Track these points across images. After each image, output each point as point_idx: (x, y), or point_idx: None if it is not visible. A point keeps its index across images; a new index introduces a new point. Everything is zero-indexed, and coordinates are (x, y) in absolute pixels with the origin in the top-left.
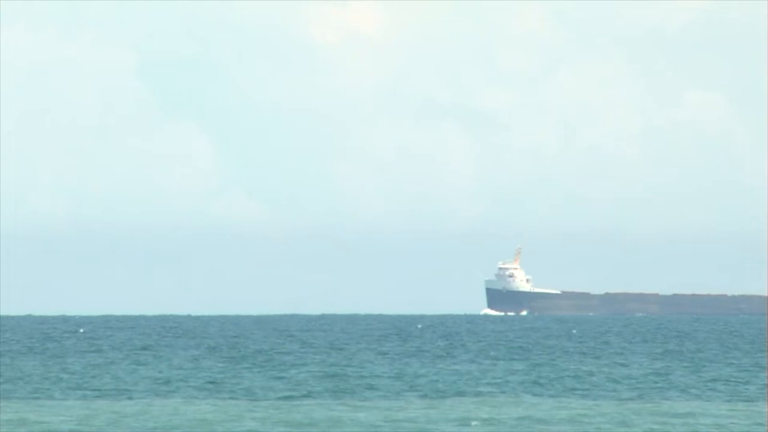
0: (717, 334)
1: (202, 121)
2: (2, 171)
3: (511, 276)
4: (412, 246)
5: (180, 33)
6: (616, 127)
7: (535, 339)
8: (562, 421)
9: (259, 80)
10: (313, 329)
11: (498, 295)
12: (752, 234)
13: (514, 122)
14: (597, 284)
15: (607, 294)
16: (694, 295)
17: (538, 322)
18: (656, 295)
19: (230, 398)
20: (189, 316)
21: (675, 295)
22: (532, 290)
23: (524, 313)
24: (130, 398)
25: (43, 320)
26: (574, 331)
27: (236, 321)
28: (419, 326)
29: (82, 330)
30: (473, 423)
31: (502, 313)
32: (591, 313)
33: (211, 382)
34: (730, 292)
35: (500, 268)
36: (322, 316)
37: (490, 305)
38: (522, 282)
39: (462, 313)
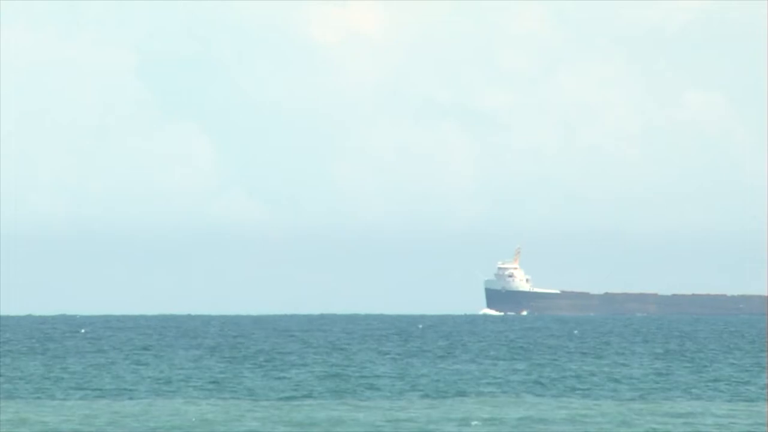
0: (717, 334)
1: (202, 121)
2: (2, 171)
3: (510, 276)
4: (412, 246)
5: (180, 33)
6: (616, 127)
7: (536, 339)
8: (563, 421)
9: (259, 80)
10: (314, 329)
11: (497, 295)
12: (752, 234)
13: (514, 122)
14: (596, 284)
15: (606, 294)
16: (693, 295)
17: (538, 322)
18: (655, 295)
19: (231, 398)
20: (189, 316)
21: (674, 295)
22: (531, 290)
23: (524, 313)
24: (131, 398)
25: (43, 320)
26: (576, 332)
27: (236, 321)
28: (420, 326)
29: (83, 330)
30: (474, 423)
31: (502, 313)
32: (590, 313)
33: (212, 382)
34: (729, 292)
35: (499, 268)
36: (322, 316)
37: (490, 305)
38: (521, 282)
39: (461, 313)
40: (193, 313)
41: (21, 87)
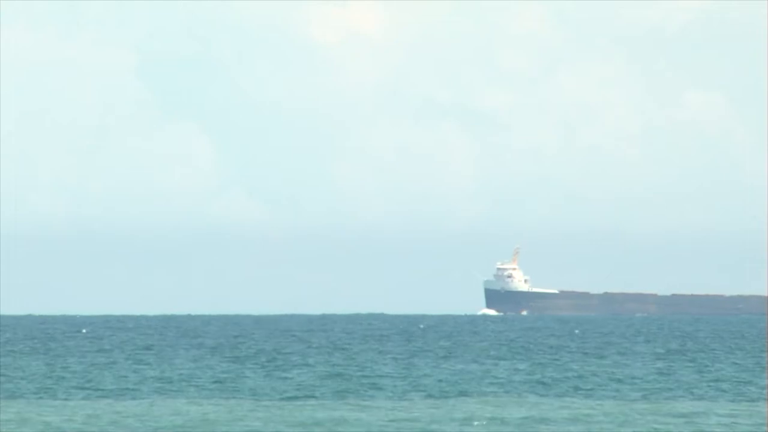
0: (718, 334)
1: (202, 121)
2: (2, 171)
3: (509, 276)
4: (412, 246)
5: (180, 33)
6: (616, 127)
7: (537, 339)
8: (565, 421)
9: (259, 80)
10: (315, 329)
11: (496, 295)
12: (752, 234)
13: (514, 122)
14: (596, 284)
15: (605, 294)
16: (692, 295)
17: (538, 321)
18: (655, 295)
19: (234, 398)
20: (189, 316)
21: (674, 295)
22: (530, 290)
23: (524, 313)
24: (133, 398)
25: (43, 320)
26: (577, 331)
27: (237, 321)
28: (421, 326)
29: (84, 330)
30: (476, 423)
31: (501, 314)
32: (589, 313)
33: (214, 382)
34: (728, 293)
35: (498, 269)
36: (323, 316)
37: (489, 305)
38: (520, 282)
39: (460, 313)
40: (193, 313)
41: (21, 87)
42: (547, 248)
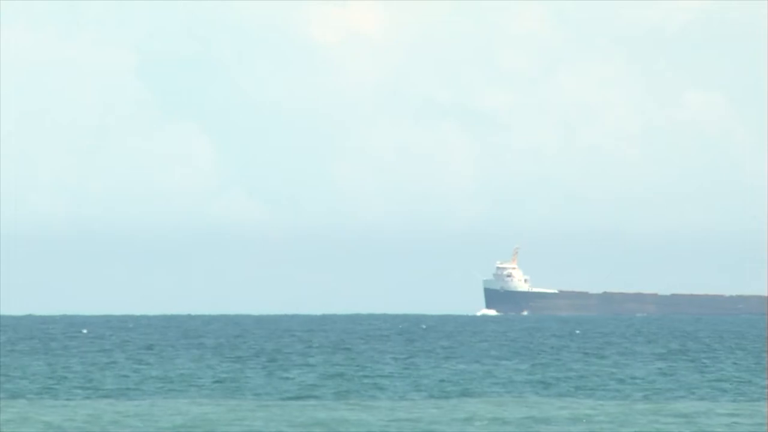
0: (719, 334)
1: (202, 121)
2: (2, 171)
3: (509, 276)
4: (412, 246)
5: (180, 33)
6: (616, 127)
7: (538, 339)
8: (567, 421)
9: (259, 80)
10: (316, 329)
11: (496, 295)
12: (752, 234)
13: (514, 122)
14: (596, 284)
15: (605, 293)
16: (692, 295)
17: (539, 321)
18: (654, 295)
19: (235, 398)
20: (189, 316)
21: (673, 295)
22: (530, 290)
23: (525, 313)
24: (134, 398)
25: (44, 320)
26: (577, 331)
27: (237, 321)
28: (423, 326)
29: (85, 330)
30: (478, 423)
31: (500, 313)
32: (588, 313)
33: (215, 382)
34: (728, 293)
35: (498, 268)
36: (324, 316)
37: (488, 305)
38: (520, 282)
39: (459, 313)
40: (193, 313)
41: (21, 87)
42: (546, 248)
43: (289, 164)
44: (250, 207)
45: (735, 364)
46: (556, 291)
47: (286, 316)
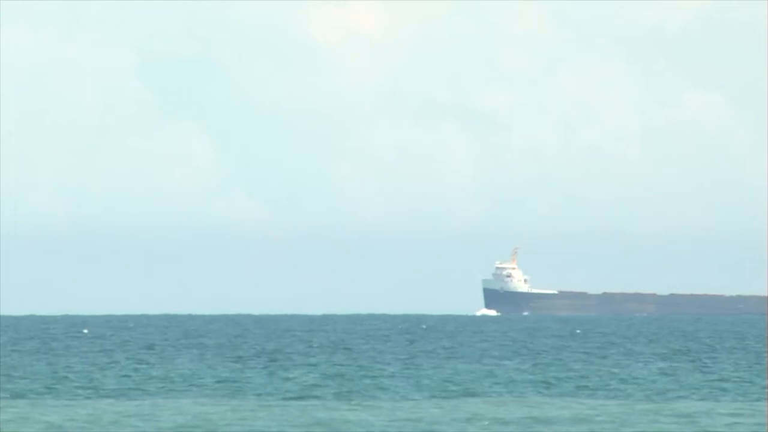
0: (720, 334)
1: (202, 121)
2: (2, 171)
3: (508, 276)
4: (412, 246)
5: (180, 33)
6: (616, 127)
7: (540, 339)
8: (568, 421)
9: (259, 80)
10: (317, 329)
11: (495, 295)
12: (752, 234)
13: (514, 122)
14: (595, 284)
15: (604, 294)
16: (691, 295)
17: (540, 321)
18: (654, 295)
19: (236, 398)
20: (190, 316)
21: (672, 295)
22: (529, 290)
23: (526, 313)
24: (135, 398)
25: (44, 320)
26: (578, 331)
27: (237, 321)
28: (424, 326)
29: (86, 330)
30: (480, 423)
31: (500, 314)
32: (588, 314)
33: (217, 382)
34: (728, 293)
35: (497, 268)
36: (324, 316)
37: (488, 305)
38: (519, 282)
39: (458, 313)
40: (193, 312)
41: (21, 87)
42: (546, 248)
43: (289, 164)
44: (250, 207)
45: (736, 364)
46: (556, 291)
47: (286, 316)
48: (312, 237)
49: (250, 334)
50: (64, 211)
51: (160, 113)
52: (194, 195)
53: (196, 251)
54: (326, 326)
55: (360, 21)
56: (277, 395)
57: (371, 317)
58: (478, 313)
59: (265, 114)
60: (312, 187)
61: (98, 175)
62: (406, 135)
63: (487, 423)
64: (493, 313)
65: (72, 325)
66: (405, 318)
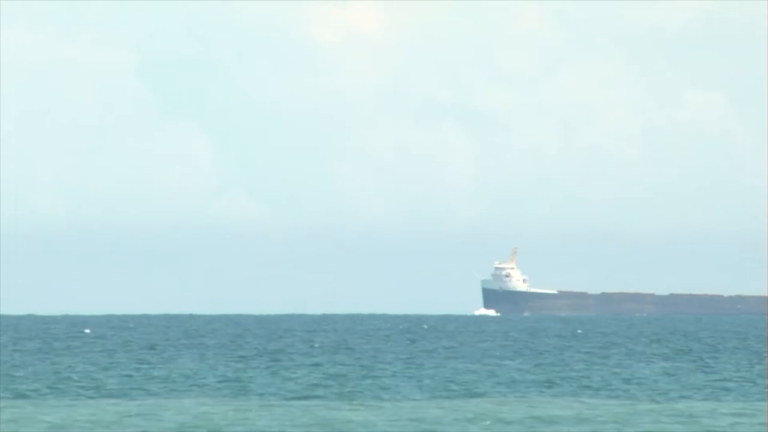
0: (721, 334)
1: (202, 121)
2: (2, 171)
3: (507, 276)
4: (412, 246)
5: (180, 33)
6: (616, 127)
7: (542, 339)
8: (570, 421)
9: (259, 80)
10: (318, 329)
11: (494, 295)
12: (752, 234)
13: (514, 122)
14: (595, 284)
15: (603, 294)
16: (690, 295)
17: (540, 321)
18: (653, 295)
19: (239, 398)
20: (190, 316)
21: (672, 295)
22: (528, 290)
23: (526, 314)
24: (137, 398)
25: (44, 320)
26: (579, 331)
27: (238, 321)
28: (425, 326)
29: (88, 330)
30: (483, 423)
31: (498, 314)
32: (587, 313)
33: (219, 382)
34: (727, 293)
35: (496, 268)
36: (324, 316)
37: (487, 305)
38: (518, 282)
39: (457, 313)
40: (193, 312)
41: (21, 87)
42: (546, 248)
43: (289, 164)
44: (250, 207)
45: (739, 364)
46: (555, 291)
47: (286, 316)
48: (312, 237)
49: (251, 334)
50: (64, 211)
51: (160, 113)
52: (194, 195)
53: (196, 251)
54: (327, 326)
55: (360, 21)
56: (279, 395)
57: (371, 317)
58: (477, 313)
59: (265, 114)
60: (312, 187)
61: (98, 175)
62: (406, 135)
63: (489, 423)
64: (491, 312)
65: (72, 325)
66: (405, 318)
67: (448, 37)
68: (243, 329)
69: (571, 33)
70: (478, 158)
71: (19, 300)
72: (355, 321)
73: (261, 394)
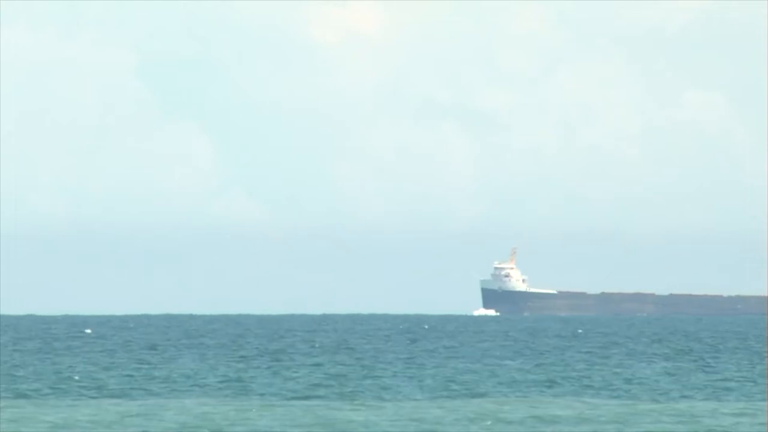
0: (722, 334)
1: (202, 121)
2: (2, 171)
3: (506, 276)
4: (412, 246)
5: (180, 33)
6: (616, 127)
7: (542, 339)
8: (572, 421)
9: (259, 80)
10: (318, 329)
11: (493, 295)
12: (752, 234)
13: (514, 122)
14: (595, 284)
15: (603, 294)
16: (690, 295)
17: (540, 321)
18: (653, 295)
19: (240, 398)
20: (191, 316)
21: (671, 295)
22: (528, 290)
23: (526, 314)
24: (138, 398)
25: (44, 320)
26: (580, 331)
27: (238, 321)
28: (425, 326)
29: (89, 330)
30: (483, 423)
31: (498, 314)
32: (587, 313)
33: (219, 382)
34: (726, 293)
35: (496, 268)
36: (324, 316)
37: (486, 305)
38: (518, 282)
39: (456, 312)
40: (193, 312)
41: (21, 87)
42: (545, 248)
43: (289, 164)
44: (250, 207)
45: (739, 363)
46: (555, 291)
47: (286, 315)
48: (312, 237)
49: (251, 334)
50: (64, 211)
51: (160, 113)
52: (194, 195)
53: (196, 251)
54: (327, 326)
55: (360, 21)
56: (280, 395)
57: (371, 317)
58: (476, 313)
59: (265, 114)
60: (312, 187)
61: (98, 175)
62: (406, 135)
63: (490, 423)
64: (491, 312)
65: (73, 325)
66: (406, 318)
67: (448, 37)
68: (244, 329)
69: (571, 33)
70: (478, 158)
71: (19, 300)
72: (355, 321)
73: (262, 394)
